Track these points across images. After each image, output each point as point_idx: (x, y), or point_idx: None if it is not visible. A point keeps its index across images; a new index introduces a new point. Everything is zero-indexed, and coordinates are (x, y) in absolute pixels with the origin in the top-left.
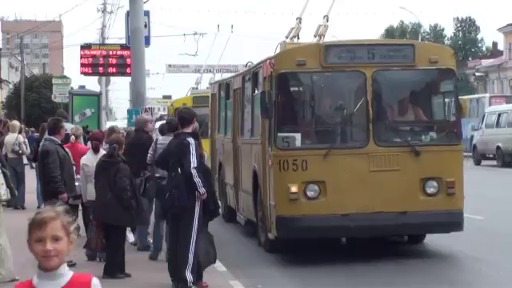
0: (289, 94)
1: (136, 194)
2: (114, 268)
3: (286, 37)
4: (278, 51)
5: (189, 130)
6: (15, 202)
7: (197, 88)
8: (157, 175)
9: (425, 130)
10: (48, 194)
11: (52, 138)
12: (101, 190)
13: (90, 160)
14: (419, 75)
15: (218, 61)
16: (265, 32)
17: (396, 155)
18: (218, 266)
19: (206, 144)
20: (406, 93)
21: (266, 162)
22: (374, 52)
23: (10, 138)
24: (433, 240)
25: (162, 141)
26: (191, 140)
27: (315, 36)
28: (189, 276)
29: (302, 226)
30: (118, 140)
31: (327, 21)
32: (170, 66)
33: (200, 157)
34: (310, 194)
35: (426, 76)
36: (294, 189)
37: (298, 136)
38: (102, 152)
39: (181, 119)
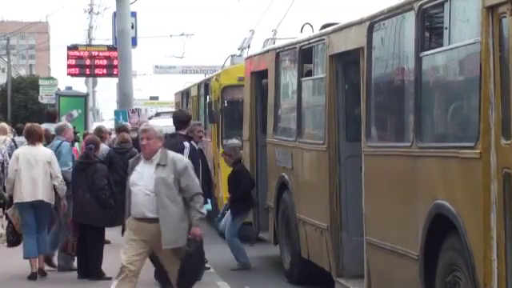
0: None
1: (114, 194)
2: (93, 270)
3: None
4: None
5: (184, 132)
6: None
7: (240, 56)
8: None
9: None
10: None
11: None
12: (78, 192)
13: None
14: None
15: (277, 27)
16: None
17: None
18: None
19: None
20: None
21: None
22: None
23: None
24: None
25: None
26: (186, 144)
27: None
28: None
29: None
30: (94, 141)
31: None
32: (156, 67)
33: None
34: None
35: None
36: None
37: None
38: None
39: (176, 120)
